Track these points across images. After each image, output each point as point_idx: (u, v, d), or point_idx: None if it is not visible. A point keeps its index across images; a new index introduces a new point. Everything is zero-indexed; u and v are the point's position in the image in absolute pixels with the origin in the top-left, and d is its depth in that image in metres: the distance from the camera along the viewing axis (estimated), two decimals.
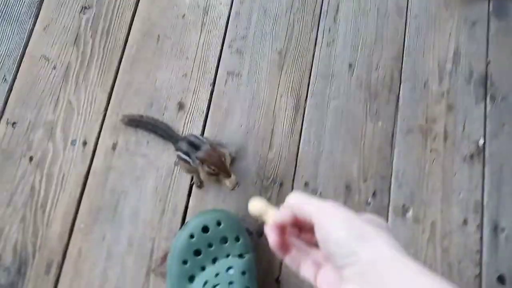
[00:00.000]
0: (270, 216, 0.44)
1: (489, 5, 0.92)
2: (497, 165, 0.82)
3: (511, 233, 0.78)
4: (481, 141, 0.83)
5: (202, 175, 0.67)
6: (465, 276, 0.76)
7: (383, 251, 0.34)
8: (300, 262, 0.42)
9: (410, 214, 0.78)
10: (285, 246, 0.42)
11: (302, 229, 0.43)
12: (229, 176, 0.65)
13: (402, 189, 0.79)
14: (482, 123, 0.84)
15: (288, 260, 0.43)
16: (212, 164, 0.64)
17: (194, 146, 0.66)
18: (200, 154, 0.64)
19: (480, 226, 0.79)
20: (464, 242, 0.78)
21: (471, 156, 0.82)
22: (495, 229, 0.79)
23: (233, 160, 0.74)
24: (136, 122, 0.74)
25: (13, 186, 0.71)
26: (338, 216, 0.37)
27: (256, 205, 0.46)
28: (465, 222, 0.78)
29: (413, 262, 0.34)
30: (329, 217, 0.37)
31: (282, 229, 0.42)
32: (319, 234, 0.37)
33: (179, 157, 0.69)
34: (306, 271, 0.42)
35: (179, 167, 0.74)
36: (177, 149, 0.69)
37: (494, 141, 0.83)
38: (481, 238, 0.78)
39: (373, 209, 0.77)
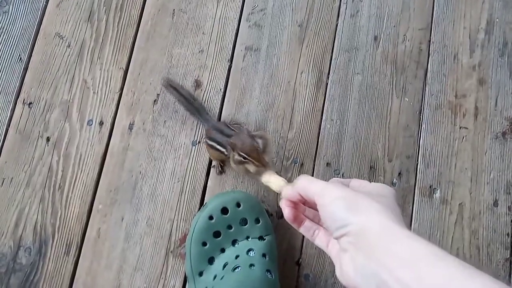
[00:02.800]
0: (274, 183, 0.53)
1: None
2: None
3: None
4: None
5: (232, 163, 0.62)
6: (495, 260, 0.73)
7: (373, 220, 0.37)
8: (314, 232, 0.47)
9: (437, 195, 0.74)
10: (298, 219, 0.47)
11: (311, 207, 0.48)
12: (263, 166, 0.57)
13: (429, 169, 0.75)
14: None
15: (303, 230, 0.48)
16: (243, 151, 0.58)
17: (225, 134, 0.63)
18: (233, 139, 0.60)
19: None
20: (494, 224, 0.74)
21: (503, 134, 0.77)
22: None
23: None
24: (174, 89, 0.70)
25: (31, 167, 0.70)
26: (335, 192, 0.40)
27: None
28: (495, 203, 0.75)
29: (403, 229, 0.36)
30: (327, 194, 0.41)
31: (294, 204, 0.47)
32: (320, 211, 0.41)
33: (207, 143, 0.66)
34: (319, 240, 0.47)
35: (198, 146, 0.72)
36: (208, 135, 0.67)
37: None
38: None
39: (399, 190, 0.74)
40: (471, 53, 0.81)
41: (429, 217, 0.73)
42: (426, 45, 0.80)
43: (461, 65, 0.80)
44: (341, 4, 0.80)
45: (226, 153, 0.63)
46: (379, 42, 0.79)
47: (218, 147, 0.64)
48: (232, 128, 0.65)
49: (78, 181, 0.70)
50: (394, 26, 0.80)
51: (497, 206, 0.75)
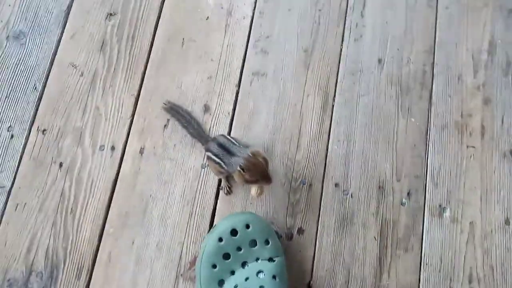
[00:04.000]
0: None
1: None
2: None
3: None
4: None
5: (238, 180, 0.65)
6: (509, 279, 0.71)
7: None
8: None
9: (447, 214, 0.74)
10: None
11: None
12: (270, 182, 0.63)
13: (438, 188, 0.75)
14: None
15: None
16: (258, 172, 0.62)
17: (225, 149, 0.65)
18: (243, 162, 0.62)
19: None
20: (507, 243, 0.73)
21: (511, 152, 0.78)
22: None
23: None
24: (174, 111, 0.74)
25: (44, 192, 0.72)
26: None
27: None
28: (506, 222, 0.74)
29: None
30: None
31: None
32: None
33: (209, 158, 0.68)
34: None
35: (207, 168, 0.73)
36: (207, 150, 0.69)
37: None
38: None
39: (408, 210, 0.74)
40: (475, 73, 0.82)
41: (440, 236, 0.73)
42: (430, 67, 0.82)
43: (465, 86, 0.81)
44: (345, 29, 0.82)
45: (224, 167, 0.65)
46: (383, 64, 0.81)
47: (218, 160, 0.66)
48: (233, 142, 0.67)
49: (90, 206, 0.71)
50: (398, 49, 0.82)
51: (509, 225, 0.74)
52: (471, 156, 0.77)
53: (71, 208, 0.71)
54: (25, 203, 0.71)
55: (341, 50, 0.81)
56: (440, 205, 0.74)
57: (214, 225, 0.69)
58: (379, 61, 0.81)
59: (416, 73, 0.81)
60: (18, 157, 0.73)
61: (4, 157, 0.73)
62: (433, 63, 0.82)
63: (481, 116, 0.80)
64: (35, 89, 0.77)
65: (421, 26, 0.83)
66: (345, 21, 0.83)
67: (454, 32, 0.84)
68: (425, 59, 0.82)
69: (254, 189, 0.66)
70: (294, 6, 0.83)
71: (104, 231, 0.70)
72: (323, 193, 0.74)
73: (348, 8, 0.83)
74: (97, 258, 0.69)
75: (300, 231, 0.72)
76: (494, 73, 0.82)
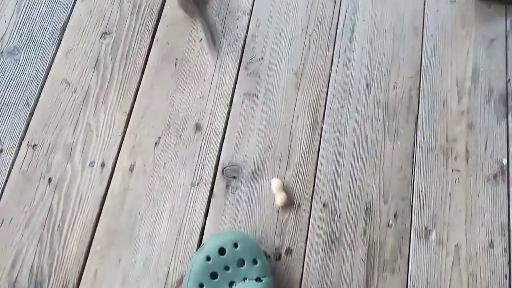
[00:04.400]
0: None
1: (506, 22, 0.91)
2: None
3: None
4: (505, 161, 0.81)
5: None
6: None
7: None
8: None
9: (433, 236, 0.75)
10: None
11: None
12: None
13: (424, 210, 0.76)
14: (505, 142, 0.82)
15: None
16: None
17: None
18: None
19: (508, 249, 0.75)
20: (491, 266, 0.74)
21: (495, 176, 0.80)
22: None
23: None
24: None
25: (31, 208, 0.71)
26: None
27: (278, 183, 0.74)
28: (491, 245, 0.75)
29: None
30: None
31: None
32: None
33: None
34: None
35: (197, 186, 0.73)
36: None
37: None
38: (509, 262, 0.75)
39: (395, 231, 0.75)
40: (459, 99, 0.85)
41: (426, 258, 0.73)
42: (416, 92, 0.84)
43: (450, 111, 0.84)
44: (334, 54, 0.85)
45: None
46: (370, 88, 0.83)
47: None
48: None
49: (77, 222, 0.71)
50: (385, 74, 0.85)
51: (493, 248, 0.75)
52: (456, 180, 0.79)
53: (59, 225, 0.70)
54: (12, 218, 0.70)
55: (330, 73, 0.84)
56: (426, 228, 0.76)
57: (202, 243, 0.69)
58: (367, 85, 0.83)
59: (403, 98, 0.83)
60: (7, 172, 0.73)
61: None
62: (419, 88, 0.85)
63: (466, 141, 0.82)
64: (27, 104, 0.78)
65: (407, 53, 0.87)
66: (334, 45, 0.86)
67: (439, 59, 0.87)
68: (411, 84, 0.85)
69: (279, 198, 0.71)
70: (285, 30, 0.86)
71: (91, 248, 0.70)
72: (311, 213, 0.75)
73: (337, 34, 0.86)
74: (83, 276, 0.68)
75: (289, 251, 0.72)
76: (477, 100, 0.85)
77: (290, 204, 0.73)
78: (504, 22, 0.92)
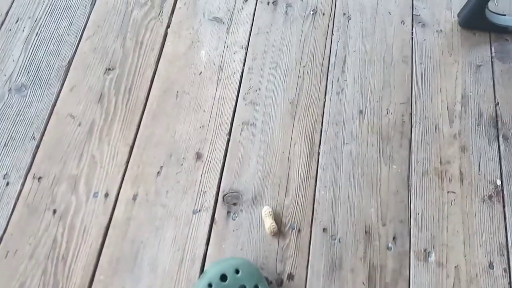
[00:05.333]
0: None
1: (491, 49, 0.96)
2: None
3: None
4: (498, 182, 0.83)
5: None
6: None
7: None
8: None
9: (432, 258, 0.76)
10: None
11: None
12: None
13: (422, 232, 0.78)
14: (498, 163, 0.84)
15: None
16: None
17: None
18: None
19: (507, 270, 0.76)
20: (492, 287, 0.75)
21: (490, 197, 0.81)
22: None
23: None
24: None
25: (36, 239, 0.72)
26: None
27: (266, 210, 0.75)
28: (490, 265, 0.76)
29: None
30: None
31: None
32: None
33: None
34: None
35: (198, 214, 0.75)
36: None
37: (511, 180, 0.83)
38: (510, 282, 0.75)
39: (395, 254, 0.75)
40: (450, 123, 0.88)
41: (426, 281, 0.74)
42: (408, 117, 0.87)
43: (442, 134, 0.87)
44: (328, 83, 0.89)
45: None
46: (364, 115, 0.86)
47: None
48: None
49: (81, 252, 0.72)
50: (377, 101, 0.88)
51: (493, 269, 0.76)
52: (452, 201, 0.81)
53: (63, 255, 0.71)
54: (16, 250, 0.71)
55: (324, 102, 0.87)
56: (425, 250, 0.76)
57: (204, 270, 0.70)
58: (360, 112, 0.87)
59: (396, 123, 0.86)
60: (12, 204, 0.74)
61: None
62: (411, 113, 0.88)
63: (459, 163, 0.84)
64: (33, 138, 0.80)
65: (398, 80, 0.90)
66: (327, 76, 0.89)
67: (428, 85, 0.91)
68: (403, 110, 0.88)
69: (268, 225, 0.73)
70: (280, 63, 0.90)
71: (95, 278, 0.70)
72: (311, 238, 0.76)
73: (330, 65, 0.91)
74: None
75: (290, 276, 0.73)
76: (468, 123, 0.88)
77: (277, 230, 0.74)
78: (489, 48, 0.96)
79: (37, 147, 0.80)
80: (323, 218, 0.77)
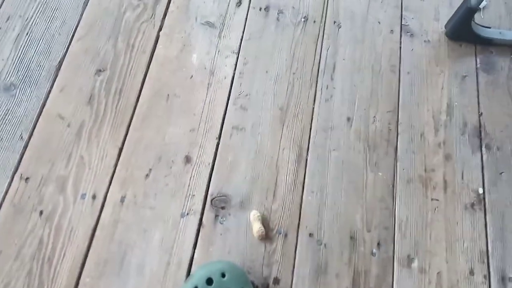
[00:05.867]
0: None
1: (476, 61, 0.98)
2: (498, 214, 0.83)
3: None
4: (481, 190, 0.85)
5: None
6: None
7: None
8: None
9: (415, 264, 0.77)
10: None
11: None
12: None
13: (406, 239, 0.79)
14: (480, 172, 0.87)
15: None
16: None
17: None
18: None
19: (487, 277, 0.78)
20: None
21: (472, 205, 0.83)
22: (503, 279, 0.78)
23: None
24: None
25: (22, 240, 0.72)
26: None
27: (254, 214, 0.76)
28: (471, 272, 0.78)
29: None
30: None
31: None
32: None
33: None
34: None
35: (186, 217, 0.75)
36: None
37: (493, 189, 0.85)
38: None
39: (379, 260, 0.77)
40: (435, 132, 0.90)
41: (409, 286, 0.75)
42: (395, 125, 0.89)
43: (427, 143, 0.88)
44: (317, 90, 0.90)
45: None
46: (351, 122, 0.88)
47: None
48: None
49: (68, 254, 0.72)
50: (365, 109, 0.90)
51: (474, 275, 0.78)
52: (435, 209, 0.82)
53: (49, 256, 0.71)
54: (1, 250, 0.71)
55: (313, 109, 0.88)
56: (408, 256, 0.78)
57: (190, 273, 0.70)
58: (348, 119, 0.88)
59: (382, 131, 0.88)
60: None
61: None
62: (397, 122, 0.90)
63: (443, 171, 0.86)
64: (21, 138, 0.80)
65: (385, 89, 0.92)
66: (316, 83, 0.91)
67: (415, 95, 0.93)
68: (390, 118, 0.89)
69: (256, 229, 0.73)
70: (271, 68, 0.91)
71: (80, 280, 0.70)
72: (298, 243, 0.77)
73: (320, 72, 0.92)
74: None
75: (276, 280, 0.74)
76: (453, 132, 0.90)
77: (264, 235, 0.75)
78: (474, 60, 0.99)
79: (25, 147, 0.79)
80: (310, 223, 0.78)
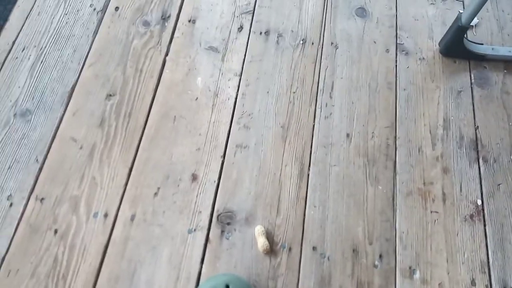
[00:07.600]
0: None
1: (470, 76, 1.02)
2: (497, 224, 0.85)
3: None
4: (479, 202, 0.87)
5: None
6: None
7: None
8: None
9: (417, 275, 0.79)
10: None
11: None
12: None
13: (407, 250, 0.81)
14: (478, 184, 0.89)
15: None
16: None
17: None
18: None
19: (489, 286, 0.79)
20: None
21: (471, 216, 0.86)
22: None
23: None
24: None
25: (38, 258, 0.75)
26: None
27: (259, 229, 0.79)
28: (473, 282, 0.79)
29: None
30: None
31: None
32: None
33: None
34: None
35: (194, 235, 0.78)
36: None
37: (491, 200, 0.87)
38: None
39: (381, 272, 0.79)
40: (433, 146, 0.93)
41: None
42: (393, 140, 0.92)
43: (425, 157, 0.91)
44: (316, 108, 0.94)
45: None
46: (351, 138, 0.91)
47: None
48: None
49: (81, 271, 0.75)
50: (363, 125, 0.93)
51: (475, 285, 0.79)
52: (435, 221, 0.85)
53: (63, 274, 0.74)
54: (18, 269, 0.74)
55: (313, 126, 0.92)
56: (410, 267, 0.80)
57: (197, 287, 0.73)
58: (347, 135, 0.92)
59: (381, 146, 0.91)
60: (15, 224, 0.78)
61: (1, 224, 0.78)
62: (395, 136, 0.93)
63: (442, 184, 0.89)
64: (36, 161, 0.84)
65: (383, 105, 0.96)
66: (316, 101, 0.95)
67: (412, 110, 0.96)
68: (388, 133, 0.93)
69: (260, 244, 0.76)
70: (271, 89, 0.95)
71: None
72: (302, 256, 0.79)
73: (319, 91, 0.96)
74: None
75: None
76: (450, 146, 0.93)
77: (269, 249, 0.78)
78: (468, 75, 1.02)
79: (40, 169, 0.83)
80: (313, 237, 0.81)
